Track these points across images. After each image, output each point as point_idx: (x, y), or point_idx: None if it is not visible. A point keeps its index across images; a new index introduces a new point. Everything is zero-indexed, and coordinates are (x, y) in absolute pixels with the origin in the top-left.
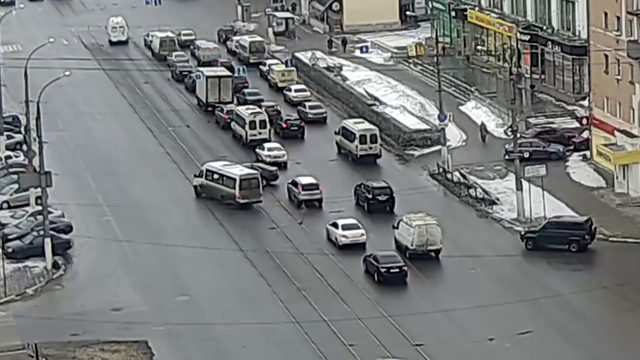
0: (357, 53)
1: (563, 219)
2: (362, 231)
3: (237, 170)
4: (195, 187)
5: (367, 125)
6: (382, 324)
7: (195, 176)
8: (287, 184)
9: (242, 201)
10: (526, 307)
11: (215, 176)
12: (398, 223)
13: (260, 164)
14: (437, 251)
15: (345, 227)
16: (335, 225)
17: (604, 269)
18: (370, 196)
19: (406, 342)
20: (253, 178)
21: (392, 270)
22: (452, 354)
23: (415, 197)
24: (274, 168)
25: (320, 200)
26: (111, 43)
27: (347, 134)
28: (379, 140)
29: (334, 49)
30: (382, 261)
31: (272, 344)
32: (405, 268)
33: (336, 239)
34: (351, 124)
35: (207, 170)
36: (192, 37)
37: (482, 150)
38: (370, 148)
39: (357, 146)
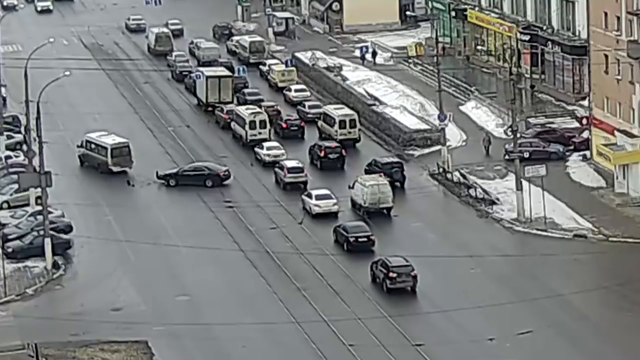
0: (357, 53)
1: (382, 159)
2: (334, 201)
3: (110, 140)
4: (79, 156)
5: (346, 110)
6: (382, 323)
7: (77, 146)
8: (274, 167)
9: (114, 169)
10: (526, 307)
11: (93, 146)
12: (354, 183)
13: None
14: (389, 209)
15: (319, 197)
16: (309, 195)
17: (604, 269)
18: (322, 155)
19: (406, 342)
20: (124, 147)
21: (360, 240)
22: (452, 354)
23: (415, 197)
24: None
25: (305, 183)
26: None
27: (327, 119)
28: (357, 125)
29: (366, 62)
30: (350, 231)
31: (272, 344)
32: (373, 237)
33: (310, 208)
34: (331, 109)
35: (87, 141)
36: (180, 27)
37: (482, 151)
38: (350, 132)
39: (337, 131)
